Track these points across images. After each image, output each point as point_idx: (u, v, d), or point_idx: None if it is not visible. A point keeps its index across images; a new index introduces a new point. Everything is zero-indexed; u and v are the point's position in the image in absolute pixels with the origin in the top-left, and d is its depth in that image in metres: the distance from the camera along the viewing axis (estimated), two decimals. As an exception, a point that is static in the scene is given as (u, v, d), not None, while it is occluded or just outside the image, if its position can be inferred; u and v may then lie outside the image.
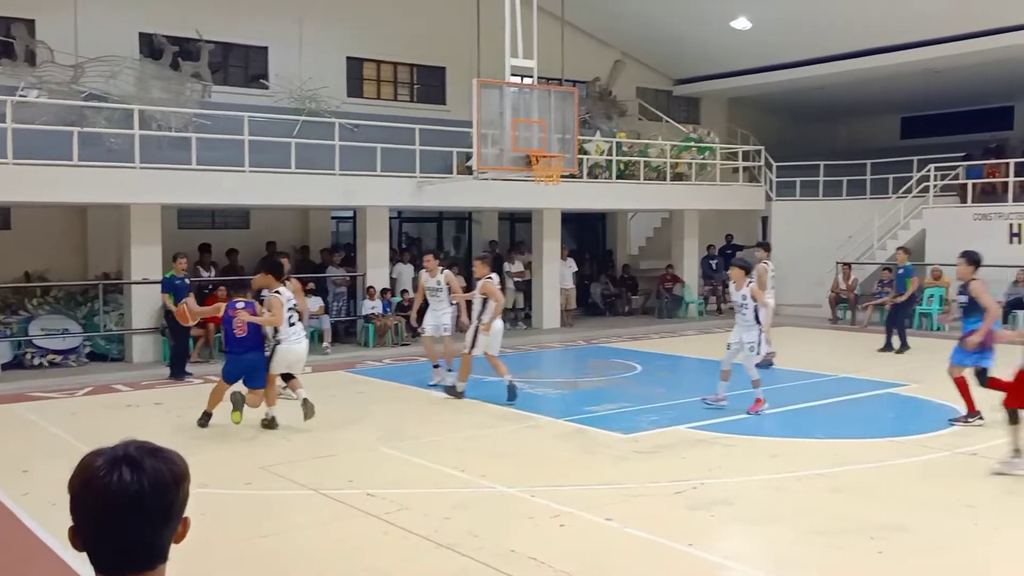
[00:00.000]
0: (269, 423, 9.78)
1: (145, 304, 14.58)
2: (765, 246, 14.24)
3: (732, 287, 10.91)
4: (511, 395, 11.07)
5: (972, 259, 9.56)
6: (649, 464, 8.37)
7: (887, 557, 5.98)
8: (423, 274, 12.89)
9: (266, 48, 18.74)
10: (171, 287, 12.95)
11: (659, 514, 6.93)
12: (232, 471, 8.22)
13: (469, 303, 11.94)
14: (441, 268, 12.68)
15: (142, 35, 17.09)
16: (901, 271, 15.16)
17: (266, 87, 18.25)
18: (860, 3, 18.93)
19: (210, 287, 15.70)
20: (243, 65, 18.79)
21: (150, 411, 11.15)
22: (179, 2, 17.38)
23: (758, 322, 10.65)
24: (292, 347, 9.78)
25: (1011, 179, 19.10)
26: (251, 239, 17.82)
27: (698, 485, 7.59)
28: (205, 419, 9.79)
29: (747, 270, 10.84)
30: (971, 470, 8.11)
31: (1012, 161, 19.48)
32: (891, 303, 16.00)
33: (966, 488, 7.52)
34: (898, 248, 16.05)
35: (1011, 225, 18.44)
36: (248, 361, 9.59)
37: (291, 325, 9.73)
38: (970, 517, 6.76)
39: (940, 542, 6.29)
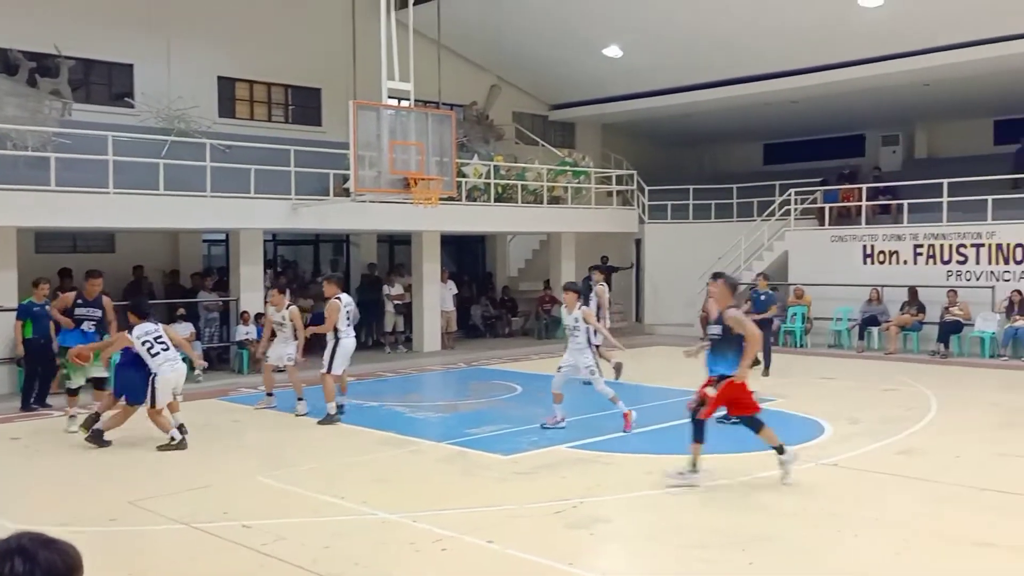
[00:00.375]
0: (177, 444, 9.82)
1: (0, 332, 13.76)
2: (603, 269, 14.24)
3: (564, 311, 11.10)
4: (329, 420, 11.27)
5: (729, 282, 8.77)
6: (530, 485, 8.43)
7: (757, 568, 6.20)
8: (269, 308, 12.74)
9: (131, 65, 18.09)
10: (28, 314, 12.34)
11: (540, 534, 6.98)
12: (96, 507, 7.83)
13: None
14: (288, 303, 12.48)
15: (-4, 49, 16.23)
16: (763, 297, 15.69)
17: (131, 106, 17.61)
18: (725, 36, 19.79)
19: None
20: (107, 83, 18.08)
21: (7, 446, 10.50)
22: (37, 16, 16.61)
23: (590, 345, 10.88)
24: (164, 375, 9.84)
25: (863, 203, 20.29)
26: (117, 263, 17.08)
27: (578, 504, 7.70)
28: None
29: (578, 293, 11.07)
30: (833, 480, 8.52)
31: (864, 186, 20.71)
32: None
33: (829, 498, 7.89)
34: (759, 274, 16.65)
35: (864, 246, 19.55)
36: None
37: (154, 355, 9.84)
38: (833, 525, 7.09)
39: (807, 550, 6.57)
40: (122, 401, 10.27)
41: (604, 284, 13.90)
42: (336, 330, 11.61)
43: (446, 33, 16.38)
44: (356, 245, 21.69)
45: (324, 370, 11.52)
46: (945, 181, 18.64)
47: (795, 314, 19.51)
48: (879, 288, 18.63)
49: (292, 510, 7.73)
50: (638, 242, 23.70)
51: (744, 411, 8.42)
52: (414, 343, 19.34)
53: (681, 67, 21.56)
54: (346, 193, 15.37)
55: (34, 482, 8.92)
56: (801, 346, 19.13)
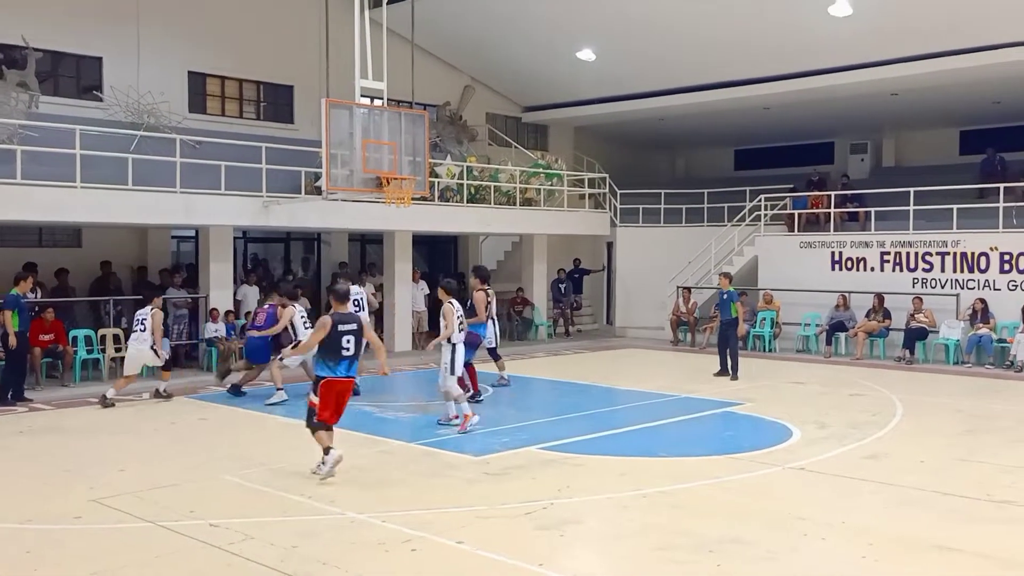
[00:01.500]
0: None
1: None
2: (480, 272, 13.70)
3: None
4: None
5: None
6: (500, 486, 8.43)
7: (725, 570, 6.24)
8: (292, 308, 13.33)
9: (100, 59, 17.84)
10: (17, 305, 12.57)
11: (510, 535, 6.98)
12: (60, 505, 7.72)
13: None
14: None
15: (-39, 40, 15.97)
16: (725, 296, 15.80)
17: (100, 99, 17.38)
18: (698, 42, 19.93)
19: (36, 309, 14.71)
20: (75, 75, 17.80)
21: (-34, 443, 10.33)
22: (4, 7, 16.35)
23: (450, 341, 10.95)
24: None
25: (832, 210, 20.53)
26: (83, 258, 16.87)
27: (548, 505, 7.70)
28: None
29: (449, 291, 11.16)
30: (800, 483, 8.61)
31: (832, 193, 20.94)
32: (715, 326, 16.37)
33: (796, 501, 7.97)
34: (720, 274, 16.70)
35: (833, 253, 19.77)
36: None
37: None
38: (800, 528, 7.15)
39: (774, 553, 6.62)
40: None
41: (483, 289, 13.38)
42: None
43: (420, 33, 16.34)
44: (327, 244, 21.57)
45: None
46: (912, 190, 18.90)
47: (764, 319, 19.68)
48: (846, 294, 18.85)
49: (260, 509, 7.67)
50: (610, 245, 23.80)
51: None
52: (384, 343, 19.21)
53: (654, 72, 21.67)
54: (318, 191, 15.28)
55: (-5, 479, 8.78)
56: (770, 351, 19.30)
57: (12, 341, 12.54)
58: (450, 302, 11.11)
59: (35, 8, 16.72)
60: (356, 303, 12.21)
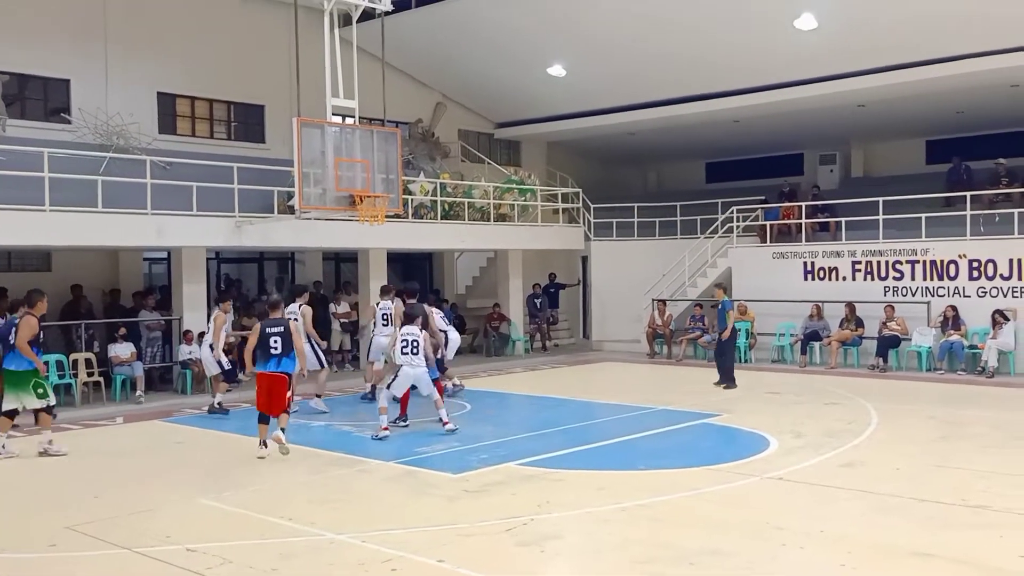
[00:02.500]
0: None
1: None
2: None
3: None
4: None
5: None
6: (480, 503, 8.40)
7: (707, 581, 6.26)
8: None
9: (68, 81, 17.69)
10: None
11: (490, 552, 6.96)
12: (34, 532, 7.60)
13: None
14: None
15: (-74, 63, 15.80)
16: (720, 306, 16.02)
17: (68, 121, 17.24)
18: (667, 56, 20.10)
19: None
20: (42, 98, 17.65)
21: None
22: (-31, 30, 16.21)
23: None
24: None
25: (803, 221, 20.73)
26: (54, 282, 16.64)
27: (528, 521, 7.69)
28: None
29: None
30: (778, 494, 8.65)
31: (803, 204, 21.16)
32: (716, 340, 16.52)
33: (775, 511, 8.01)
34: (715, 285, 16.80)
35: (805, 263, 19.95)
36: None
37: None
38: (779, 538, 7.18)
39: (753, 563, 6.64)
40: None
41: (434, 309, 14.00)
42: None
43: (391, 51, 16.36)
44: (301, 263, 21.47)
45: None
46: (880, 199, 19.14)
47: (739, 330, 19.77)
48: (820, 304, 19.02)
49: (238, 532, 7.60)
50: (584, 259, 23.87)
51: None
52: (360, 361, 19.16)
53: (624, 87, 21.83)
54: (291, 210, 15.20)
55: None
56: (745, 361, 19.40)
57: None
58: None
59: (2, 31, 16.57)
60: (295, 318, 12.85)
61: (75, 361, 14.84)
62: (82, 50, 17.70)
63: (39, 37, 17.15)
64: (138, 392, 14.99)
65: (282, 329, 10.51)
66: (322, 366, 14.17)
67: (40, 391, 10.70)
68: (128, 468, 10.31)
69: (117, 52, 18.14)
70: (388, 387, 11.66)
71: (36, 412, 10.89)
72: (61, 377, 14.64)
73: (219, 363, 13.69)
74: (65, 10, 17.51)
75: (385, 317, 14.41)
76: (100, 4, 17.96)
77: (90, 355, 15.12)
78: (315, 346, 13.93)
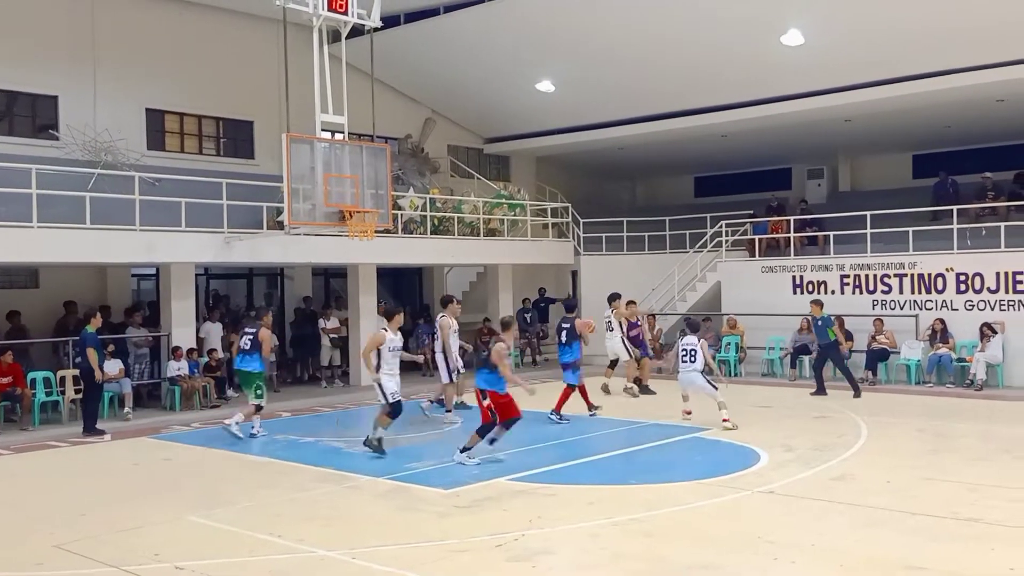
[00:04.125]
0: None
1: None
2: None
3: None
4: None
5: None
6: (470, 518, 8.37)
7: (700, 595, 6.24)
8: (451, 321, 14.46)
9: (56, 97, 17.64)
10: (96, 342, 13.40)
11: (481, 569, 6.93)
12: (22, 552, 7.53)
13: None
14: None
15: (-87, 80, 15.74)
16: (820, 322, 16.17)
17: (56, 138, 17.19)
18: (655, 71, 20.20)
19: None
20: (30, 114, 17.59)
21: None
22: (-43, 47, 16.17)
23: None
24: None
25: (792, 235, 20.82)
26: (41, 299, 16.59)
27: (519, 536, 7.66)
28: None
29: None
30: (770, 507, 8.64)
31: (792, 218, 21.25)
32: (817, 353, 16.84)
33: (766, 525, 8.00)
34: (812, 302, 16.87)
35: (794, 277, 20.02)
36: None
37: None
38: (771, 552, 7.17)
39: (746, 577, 6.63)
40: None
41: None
42: None
43: (380, 67, 16.41)
44: (291, 278, 21.42)
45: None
46: (868, 213, 19.23)
47: (729, 344, 19.82)
48: (809, 317, 19.05)
49: (227, 550, 7.54)
50: (574, 273, 23.88)
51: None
52: (351, 377, 19.11)
53: (613, 102, 21.92)
54: (280, 226, 15.19)
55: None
56: (735, 375, 19.42)
57: (99, 375, 13.47)
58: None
59: (-11, 47, 16.55)
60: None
61: (63, 378, 14.74)
62: (70, 67, 17.66)
63: (27, 54, 17.11)
64: (126, 409, 14.90)
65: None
66: (450, 380, 14.19)
67: (259, 391, 12.82)
68: (116, 485, 10.24)
69: (105, 69, 18.11)
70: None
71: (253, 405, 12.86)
72: (48, 394, 14.54)
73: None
74: (53, 27, 17.49)
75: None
76: (88, 21, 17.95)
77: (77, 372, 15.02)
78: (447, 359, 14.01)
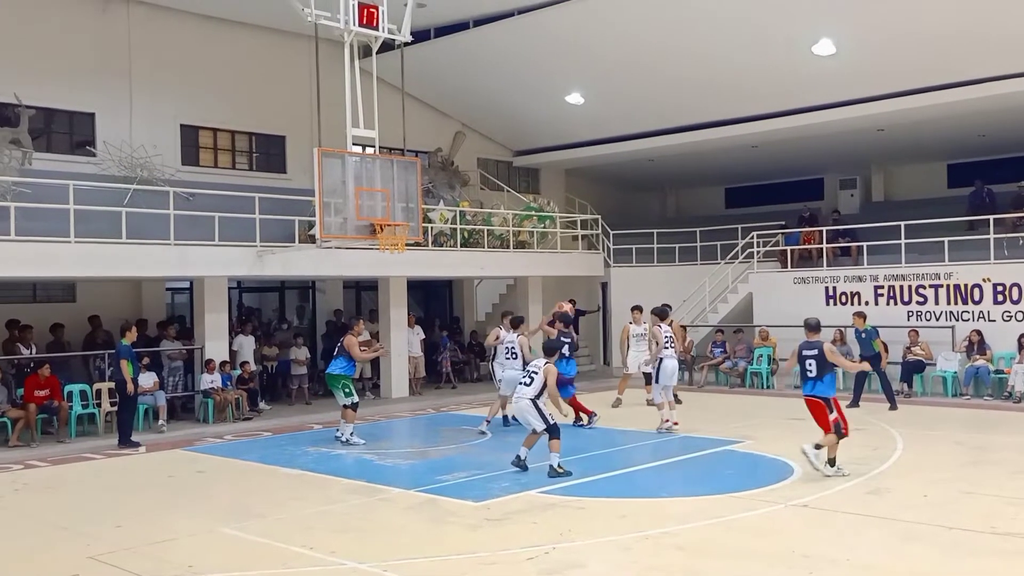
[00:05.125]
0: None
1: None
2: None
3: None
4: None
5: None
6: (501, 531, 8.35)
7: (733, 610, 6.17)
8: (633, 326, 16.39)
9: (93, 114, 17.95)
10: (130, 354, 13.58)
11: (513, 582, 6.90)
12: (57, 563, 7.62)
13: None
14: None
15: (-46, 100, 16.09)
16: (864, 334, 15.98)
17: (93, 154, 17.48)
18: (685, 83, 20.16)
19: (31, 365, 14.67)
20: (68, 131, 17.91)
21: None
22: (-5, 66, 16.51)
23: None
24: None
25: (824, 245, 20.63)
26: (78, 313, 16.83)
27: (550, 550, 7.63)
28: None
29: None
30: (804, 521, 8.54)
31: (824, 229, 21.06)
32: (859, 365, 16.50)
33: (801, 539, 7.90)
34: (855, 314, 16.71)
35: (827, 288, 19.82)
36: None
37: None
38: (805, 566, 7.08)
39: (780, 592, 6.55)
40: None
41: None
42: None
43: (410, 81, 16.51)
44: (322, 291, 21.57)
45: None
46: (902, 223, 19.01)
47: (761, 355, 19.66)
48: (843, 329, 18.83)
49: (260, 562, 7.58)
50: (604, 285, 23.82)
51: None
52: (382, 389, 19.19)
53: (642, 113, 21.89)
54: (312, 240, 15.32)
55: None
56: (768, 387, 19.25)
57: (131, 388, 13.57)
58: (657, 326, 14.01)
59: (27, 66, 16.87)
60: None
61: (98, 391, 14.94)
62: (107, 84, 17.97)
63: (65, 72, 17.44)
64: (160, 421, 15.07)
65: (816, 352, 10.50)
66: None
67: (347, 391, 13.29)
68: (150, 497, 10.34)
69: (141, 86, 18.42)
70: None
71: (343, 407, 13.30)
72: (84, 407, 14.74)
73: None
74: (90, 46, 17.82)
75: (511, 351, 14.17)
76: (124, 39, 18.27)
77: (112, 385, 15.22)
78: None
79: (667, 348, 13.89)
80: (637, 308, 17.41)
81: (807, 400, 10.55)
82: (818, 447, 10.27)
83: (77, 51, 17.63)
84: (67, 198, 14.00)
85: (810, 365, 10.39)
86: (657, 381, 14.00)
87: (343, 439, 13.20)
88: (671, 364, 13.91)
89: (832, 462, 10.25)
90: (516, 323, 14.67)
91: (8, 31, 16.79)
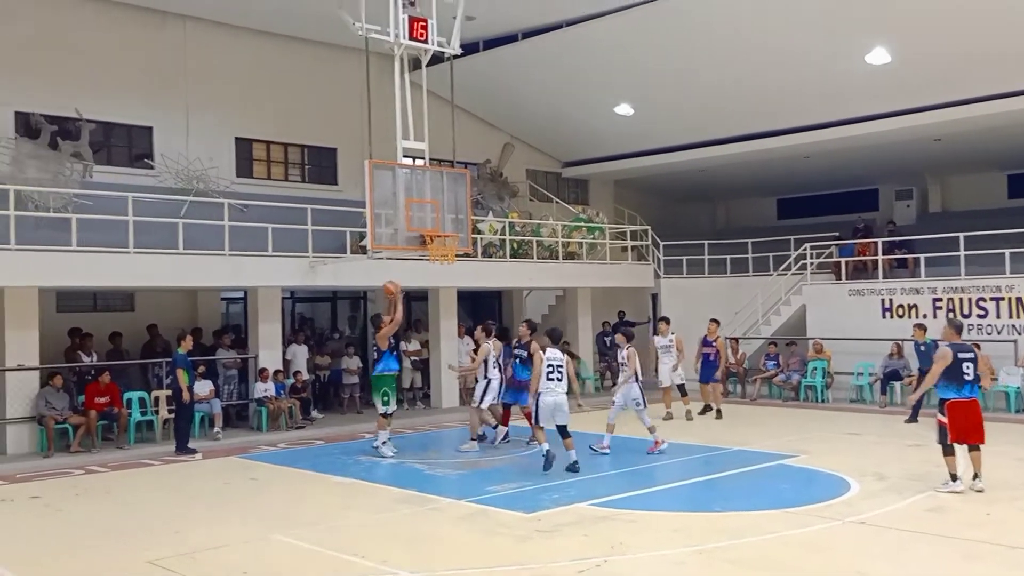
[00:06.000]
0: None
1: (21, 392, 13.81)
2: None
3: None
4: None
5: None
6: (552, 543, 8.30)
7: (789, 627, 6.06)
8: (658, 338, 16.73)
9: (151, 128, 18.36)
10: (186, 363, 13.95)
11: (565, 594, 6.86)
12: (115, 567, 7.77)
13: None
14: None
15: (18, 114, 16.53)
16: (924, 347, 15.73)
17: (151, 167, 17.87)
18: (736, 93, 19.98)
19: (92, 373, 14.99)
20: (127, 145, 18.34)
21: (27, 505, 10.48)
22: (58, 81, 16.96)
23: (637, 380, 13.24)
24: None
25: (880, 257, 20.26)
26: (136, 322, 17.18)
27: (601, 563, 7.57)
28: None
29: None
30: (861, 539, 8.35)
31: (880, 240, 20.70)
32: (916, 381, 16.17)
33: (858, 557, 7.73)
34: (915, 326, 16.47)
35: (883, 300, 19.45)
36: None
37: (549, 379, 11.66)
38: (864, 583, 6.94)
39: (838, 610, 6.42)
40: None
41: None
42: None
43: (460, 93, 16.60)
44: (373, 301, 21.73)
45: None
46: (961, 235, 18.58)
47: (815, 369, 19.35)
48: (900, 342, 18.46)
49: (312, 569, 7.64)
50: (654, 297, 23.66)
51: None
52: (432, 399, 19.26)
53: (692, 124, 21.75)
54: (363, 250, 15.45)
55: (53, 541, 8.86)
56: (822, 401, 18.93)
57: (186, 396, 13.86)
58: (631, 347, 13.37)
59: (88, 81, 17.32)
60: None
61: (156, 398, 15.22)
62: (164, 99, 18.37)
63: (124, 87, 17.86)
64: (216, 429, 15.29)
65: (974, 355, 10.26)
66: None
67: (385, 399, 13.17)
68: (207, 503, 10.49)
69: (197, 100, 18.80)
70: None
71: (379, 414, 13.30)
72: (143, 414, 15.02)
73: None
74: (148, 61, 18.24)
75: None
76: (181, 55, 18.68)
77: (169, 392, 15.49)
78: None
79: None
80: (664, 320, 17.55)
81: (967, 402, 10.10)
82: (976, 476, 10.08)
83: (136, 66, 18.06)
84: (126, 210, 14.32)
85: (968, 368, 10.05)
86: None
87: (375, 446, 13.25)
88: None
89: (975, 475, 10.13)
90: (490, 331, 14.35)
91: (70, 48, 17.25)
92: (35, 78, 16.76)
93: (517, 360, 13.81)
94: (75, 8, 17.46)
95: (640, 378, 13.26)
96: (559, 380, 11.63)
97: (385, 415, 13.26)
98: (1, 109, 16.32)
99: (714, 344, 17.31)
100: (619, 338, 13.88)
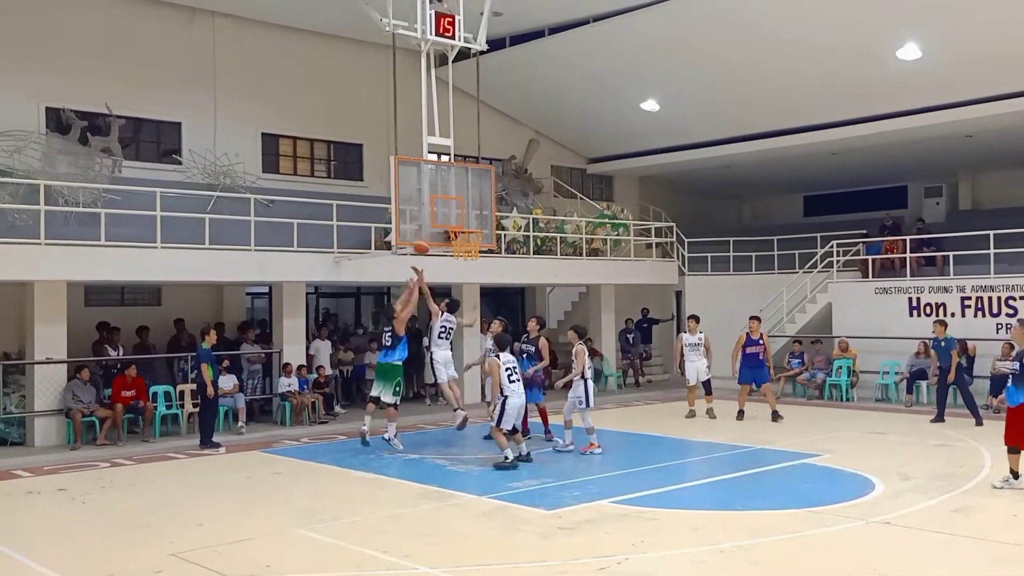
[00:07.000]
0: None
1: (48, 385, 13.99)
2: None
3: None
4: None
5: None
6: (573, 540, 8.30)
7: (810, 628, 6.02)
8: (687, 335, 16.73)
9: (179, 123, 18.54)
10: (210, 357, 13.99)
11: (585, 592, 6.85)
12: (140, 559, 7.85)
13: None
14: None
15: (49, 110, 16.76)
16: (943, 343, 15.56)
17: (179, 162, 18.03)
18: (763, 88, 19.85)
19: (118, 366, 15.17)
20: (155, 140, 18.53)
21: (53, 497, 10.62)
22: (88, 77, 17.16)
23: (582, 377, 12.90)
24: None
25: (908, 255, 20.04)
26: (163, 316, 17.35)
27: (622, 560, 7.56)
28: None
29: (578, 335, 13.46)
30: (885, 539, 8.28)
31: (908, 238, 20.47)
32: (937, 374, 16.05)
33: (882, 558, 7.66)
34: (936, 321, 16.29)
35: (910, 299, 19.24)
36: None
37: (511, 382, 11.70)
38: (887, 585, 6.88)
39: (860, 611, 6.37)
40: None
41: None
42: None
43: (485, 89, 16.60)
44: (397, 297, 21.75)
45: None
46: (992, 233, 18.34)
47: (840, 367, 19.19)
48: (926, 341, 18.25)
49: (334, 564, 7.69)
50: (678, 294, 23.56)
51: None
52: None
53: (718, 120, 21.62)
54: (387, 246, 15.51)
55: (78, 533, 8.99)
56: (847, 400, 18.78)
57: (210, 391, 13.94)
58: (580, 344, 12.96)
59: (118, 77, 17.50)
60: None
61: (181, 392, 15.37)
62: (192, 94, 18.53)
63: (153, 83, 18.04)
64: (240, 423, 15.41)
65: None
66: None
67: (397, 389, 13.25)
68: (230, 497, 10.58)
69: (225, 96, 18.95)
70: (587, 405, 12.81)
71: (388, 406, 13.23)
72: (168, 408, 15.17)
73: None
74: (177, 58, 18.41)
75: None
76: (210, 51, 18.83)
77: (194, 386, 15.63)
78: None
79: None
80: (693, 317, 17.31)
81: None
82: (1016, 475, 10.04)
83: (165, 63, 18.22)
84: (154, 205, 14.47)
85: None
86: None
87: (386, 439, 13.23)
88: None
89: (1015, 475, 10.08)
90: (454, 307, 14.66)
91: (100, 45, 17.46)
92: (66, 74, 16.98)
93: (524, 356, 13.81)
94: (106, 5, 17.66)
95: (586, 376, 12.85)
96: (519, 381, 11.88)
97: (395, 406, 13.30)
98: (32, 105, 16.53)
99: (760, 342, 16.37)
100: (570, 335, 13.61)
